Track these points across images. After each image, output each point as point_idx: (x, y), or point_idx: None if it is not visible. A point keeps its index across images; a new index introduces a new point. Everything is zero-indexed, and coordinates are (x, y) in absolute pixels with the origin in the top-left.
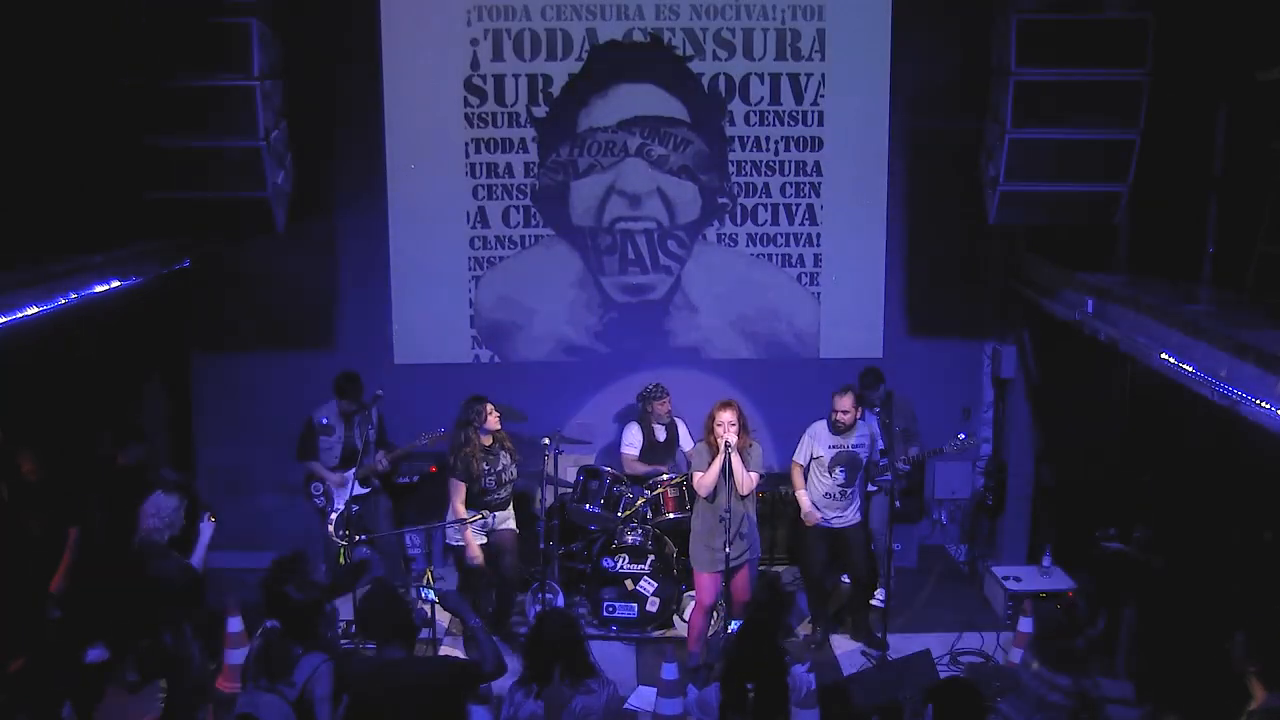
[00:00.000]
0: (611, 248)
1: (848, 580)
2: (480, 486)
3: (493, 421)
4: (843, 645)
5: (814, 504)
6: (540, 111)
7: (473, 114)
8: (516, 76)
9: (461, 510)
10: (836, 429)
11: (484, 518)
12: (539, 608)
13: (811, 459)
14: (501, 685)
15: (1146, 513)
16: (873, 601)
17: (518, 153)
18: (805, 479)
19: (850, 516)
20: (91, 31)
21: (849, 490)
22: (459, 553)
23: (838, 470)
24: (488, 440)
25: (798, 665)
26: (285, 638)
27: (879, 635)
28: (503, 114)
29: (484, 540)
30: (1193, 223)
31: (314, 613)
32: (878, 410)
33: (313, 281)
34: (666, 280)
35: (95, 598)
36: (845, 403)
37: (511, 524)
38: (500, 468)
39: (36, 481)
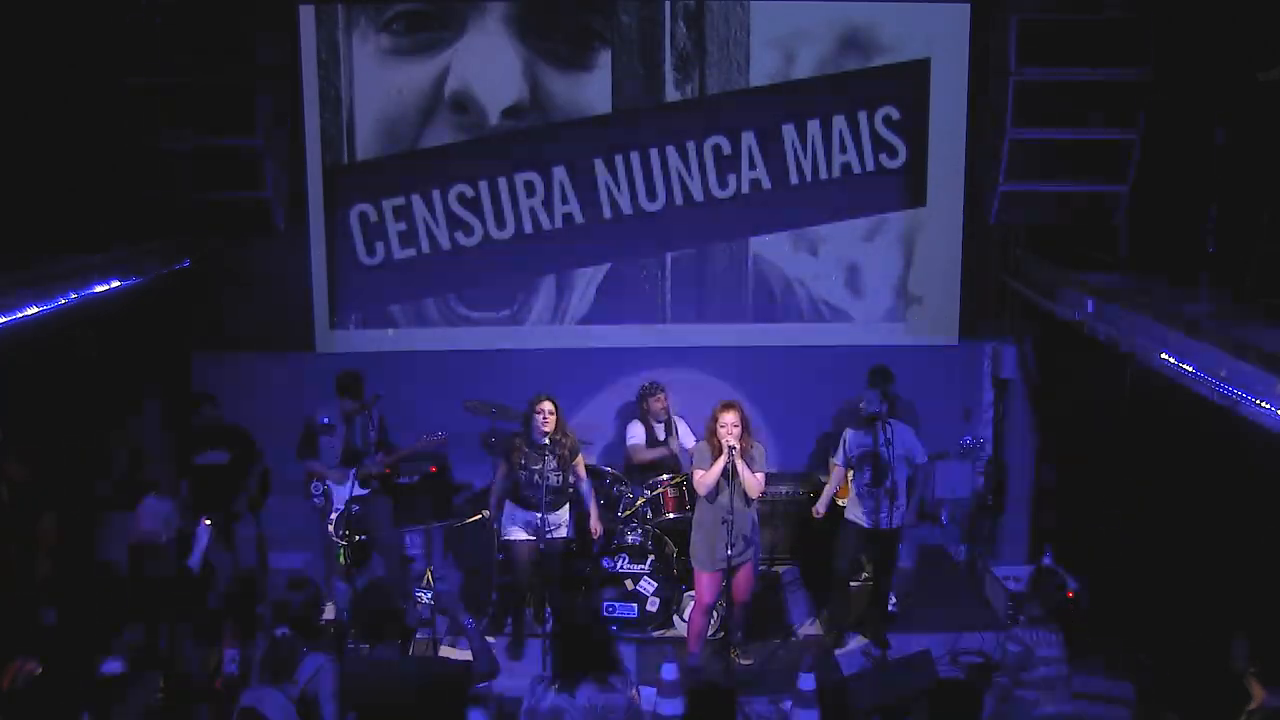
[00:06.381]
0: None
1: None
2: (517, 479)
3: (547, 424)
4: (843, 645)
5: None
6: None
7: None
8: None
9: (500, 490)
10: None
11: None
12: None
13: (846, 458)
14: (501, 686)
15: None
16: (889, 608)
17: None
18: (845, 480)
19: (890, 519)
20: (92, 31)
21: (877, 491)
22: (507, 548)
23: (864, 469)
24: (544, 440)
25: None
26: (294, 639)
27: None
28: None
29: (532, 539)
30: (1193, 223)
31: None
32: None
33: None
34: (667, 279)
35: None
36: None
37: (564, 531)
38: (541, 468)
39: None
